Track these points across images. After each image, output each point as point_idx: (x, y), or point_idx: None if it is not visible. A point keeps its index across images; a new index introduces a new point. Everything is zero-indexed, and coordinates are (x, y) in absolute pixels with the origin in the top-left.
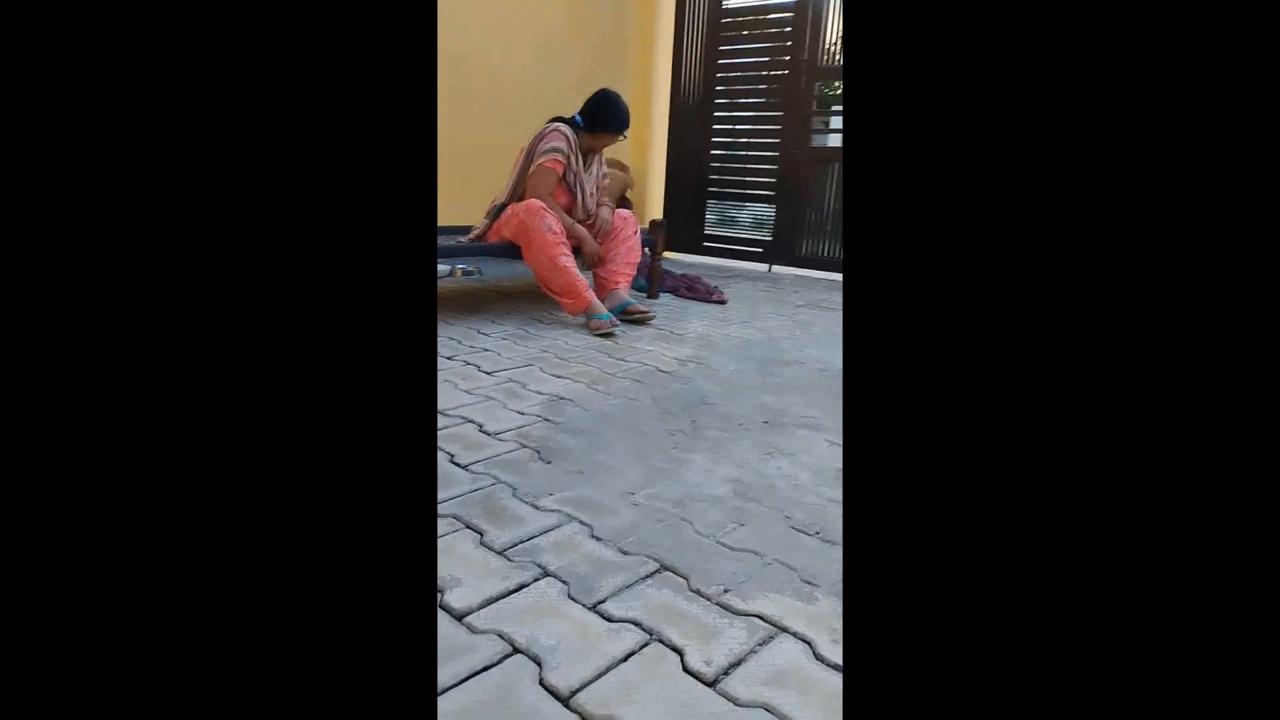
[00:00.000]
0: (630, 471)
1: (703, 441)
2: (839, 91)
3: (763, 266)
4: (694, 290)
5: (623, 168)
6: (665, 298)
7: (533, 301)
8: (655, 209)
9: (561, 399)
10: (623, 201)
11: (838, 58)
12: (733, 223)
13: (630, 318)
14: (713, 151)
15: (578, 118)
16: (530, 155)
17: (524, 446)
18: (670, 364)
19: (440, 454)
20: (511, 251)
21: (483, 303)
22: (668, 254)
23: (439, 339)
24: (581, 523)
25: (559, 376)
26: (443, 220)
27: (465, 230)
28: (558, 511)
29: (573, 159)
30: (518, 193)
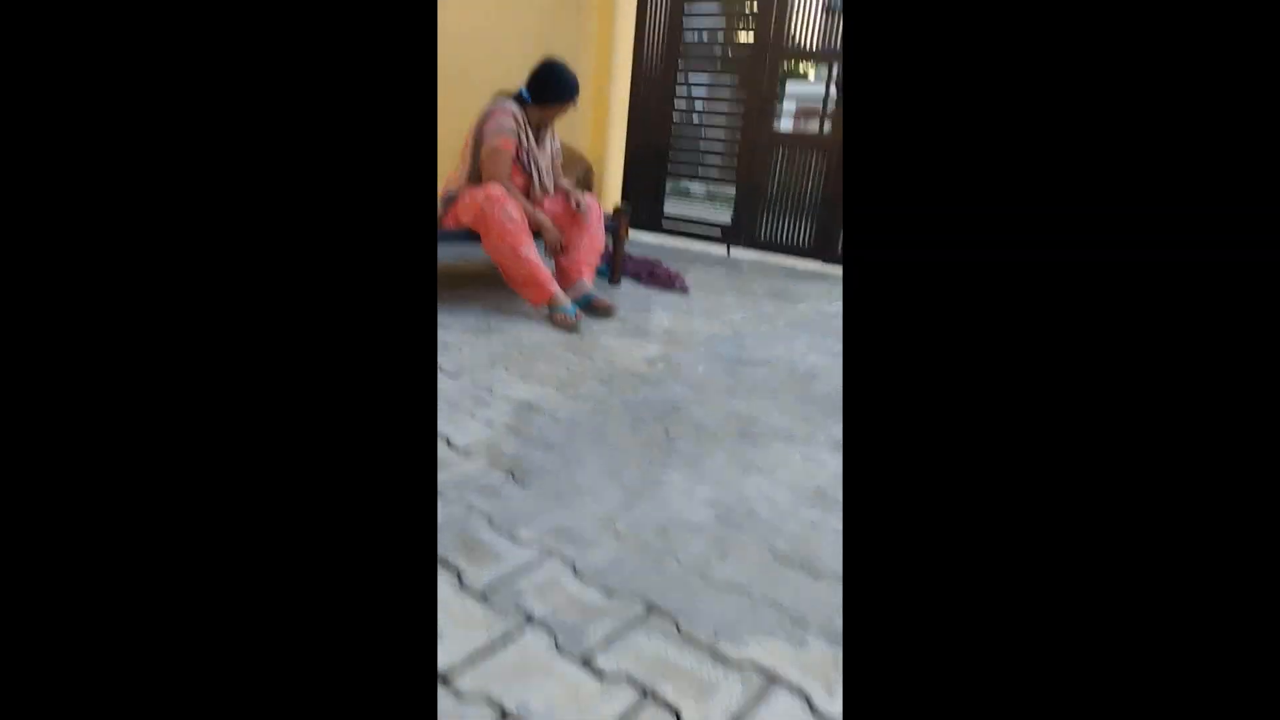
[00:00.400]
0: (607, 493)
1: (677, 456)
2: (801, 72)
3: (722, 249)
4: (656, 277)
5: (582, 161)
6: (627, 284)
7: (491, 288)
8: (615, 186)
9: (530, 407)
10: (586, 185)
11: (803, 39)
12: (687, 194)
13: (594, 310)
14: (673, 128)
15: (524, 91)
16: (479, 137)
17: (495, 466)
18: (638, 364)
19: None
20: (470, 238)
21: (440, 289)
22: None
23: None
24: (563, 557)
25: (525, 379)
26: None
27: None
28: (537, 544)
29: (523, 136)
30: (472, 178)
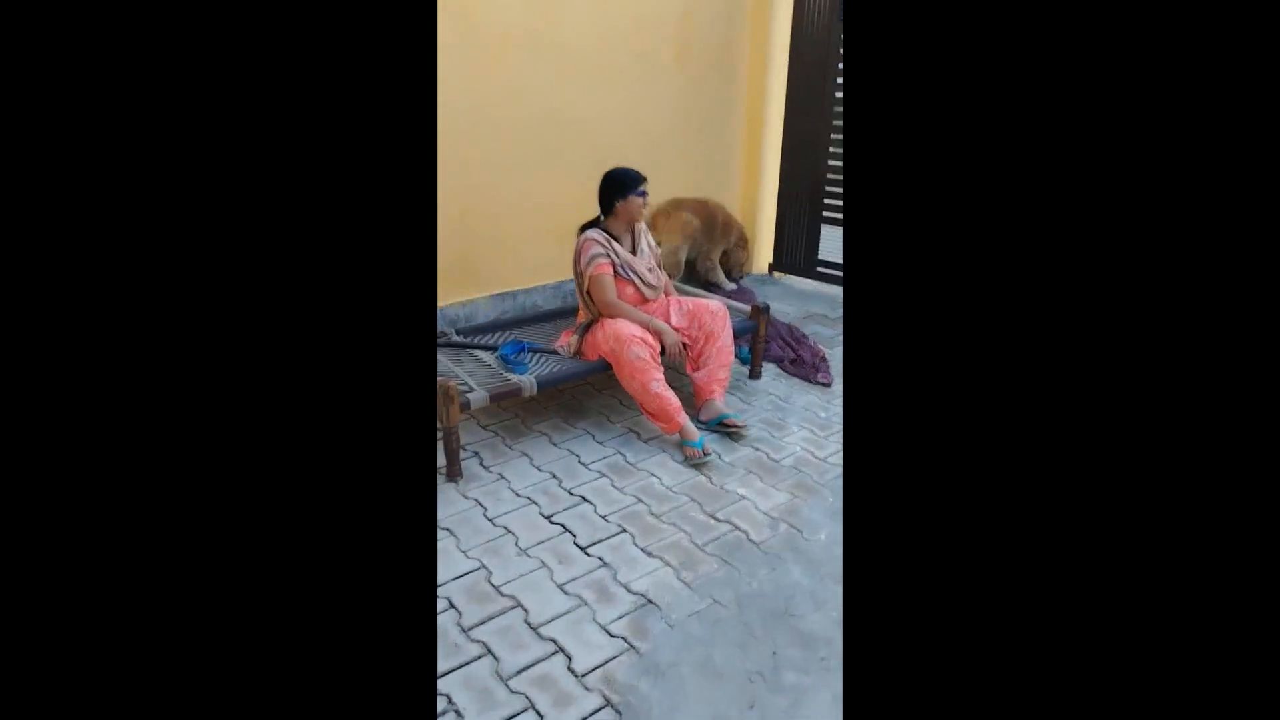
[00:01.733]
0: None
1: (781, 696)
2: None
3: None
4: (799, 363)
5: (702, 206)
6: (768, 374)
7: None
8: (767, 237)
9: (648, 603)
10: (738, 254)
11: None
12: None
13: (726, 430)
14: (829, 176)
15: (600, 214)
16: (579, 275)
17: (607, 703)
18: (761, 524)
19: (529, 710)
20: (607, 366)
21: (582, 399)
22: (778, 275)
23: (532, 463)
24: None
25: (650, 554)
26: (547, 278)
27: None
28: None
29: (613, 253)
30: (587, 304)
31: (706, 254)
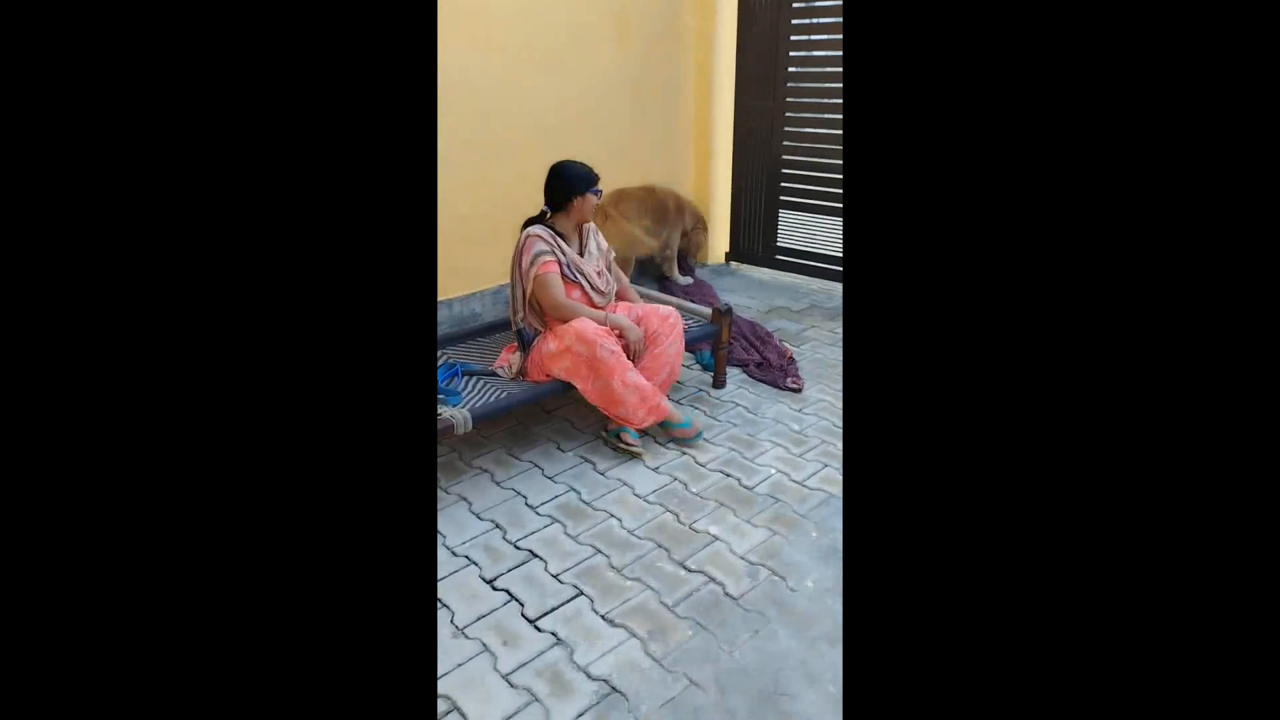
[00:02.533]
0: None
1: None
2: None
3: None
4: (766, 367)
5: (649, 194)
6: (733, 378)
7: (583, 414)
8: (723, 225)
9: (613, 692)
10: (695, 241)
11: None
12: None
13: (674, 438)
14: (785, 158)
15: (545, 207)
16: (519, 275)
17: None
18: (739, 571)
19: None
20: (556, 388)
21: (529, 423)
22: (735, 265)
23: (471, 510)
24: None
25: (612, 623)
26: (484, 283)
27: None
28: None
29: (559, 252)
30: (531, 310)
31: (666, 242)
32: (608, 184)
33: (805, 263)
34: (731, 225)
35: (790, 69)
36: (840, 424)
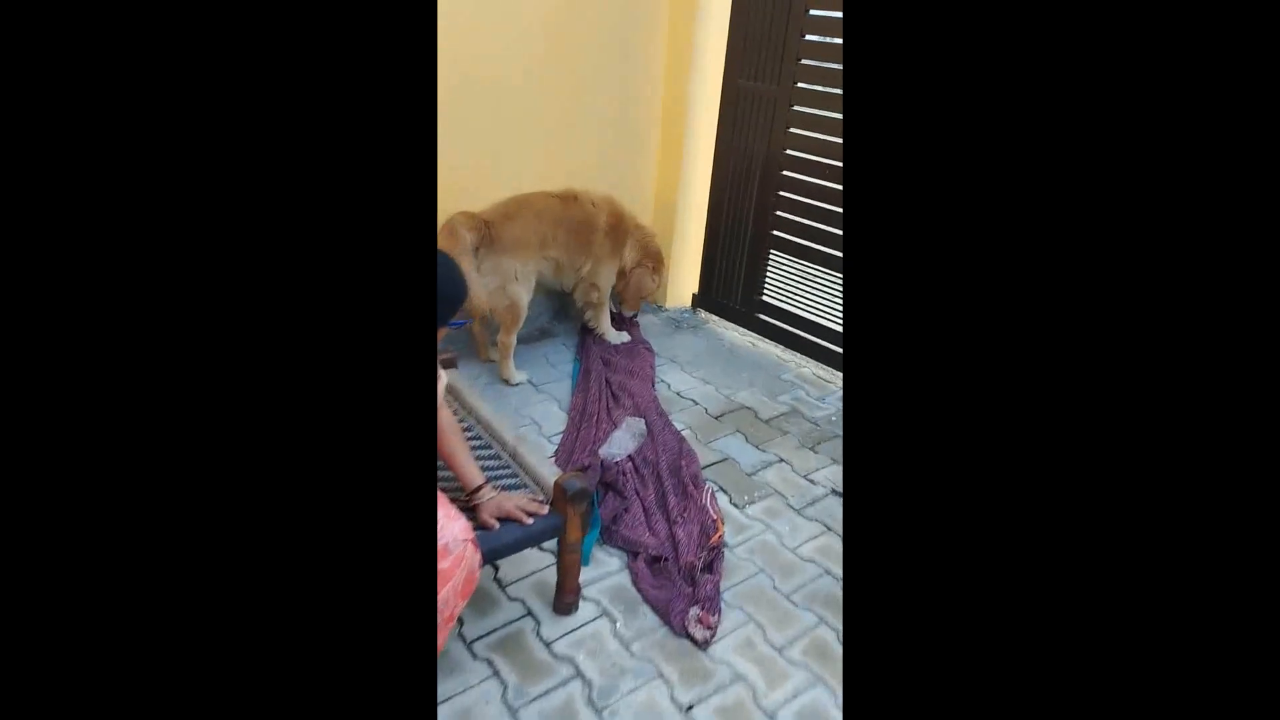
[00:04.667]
0: None
1: None
2: None
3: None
4: (660, 565)
5: (556, 203)
6: (598, 593)
7: None
8: (691, 260)
9: None
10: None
11: None
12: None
13: None
14: (785, 172)
15: None
16: None
17: None
18: None
19: None
20: None
21: None
22: (704, 315)
23: None
24: None
25: None
26: None
27: None
28: None
29: None
30: None
31: (592, 281)
32: (512, 186)
33: (797, 332)
34: (704, 260)
35: (807, 36)
36: None
